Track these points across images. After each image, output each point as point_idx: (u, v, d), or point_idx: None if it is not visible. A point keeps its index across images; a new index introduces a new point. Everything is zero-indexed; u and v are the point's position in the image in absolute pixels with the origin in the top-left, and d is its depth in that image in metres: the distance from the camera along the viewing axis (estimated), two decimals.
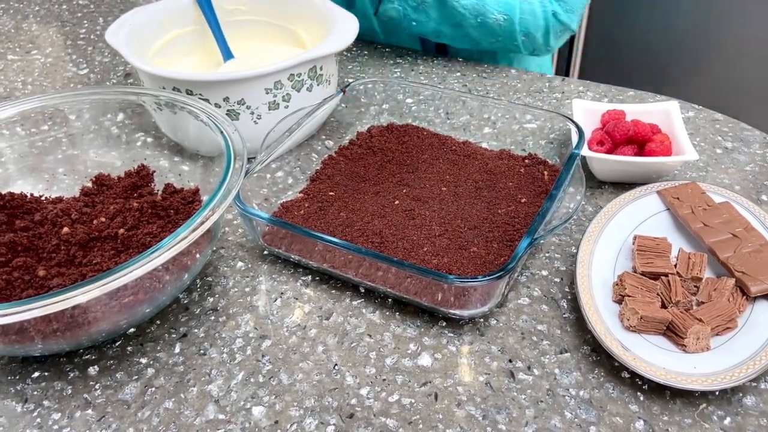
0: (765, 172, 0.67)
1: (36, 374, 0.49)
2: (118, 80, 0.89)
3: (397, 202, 0.62)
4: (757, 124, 0.77)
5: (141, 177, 0.61)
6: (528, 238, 0.50)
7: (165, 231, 0.54)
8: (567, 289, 0.55)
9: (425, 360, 0.50)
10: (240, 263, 0.59)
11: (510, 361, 0.49)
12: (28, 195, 0.59)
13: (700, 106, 0.79)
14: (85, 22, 1.06)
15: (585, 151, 0.63)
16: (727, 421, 0.45)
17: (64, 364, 0.50)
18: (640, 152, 0.65)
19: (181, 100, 0.61)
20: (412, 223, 0.59)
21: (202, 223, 0.46)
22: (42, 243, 0.53)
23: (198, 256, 0.52)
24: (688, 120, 0.76)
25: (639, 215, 0.59)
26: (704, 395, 0.46)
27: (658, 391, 0.47)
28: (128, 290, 0.47)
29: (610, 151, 0.65)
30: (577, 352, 0.50)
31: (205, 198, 0.60)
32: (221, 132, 0.56)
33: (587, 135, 0.68)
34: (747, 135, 0.73)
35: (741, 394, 0.46)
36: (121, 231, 0.53)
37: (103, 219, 0.55)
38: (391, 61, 0.91)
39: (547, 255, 0.59)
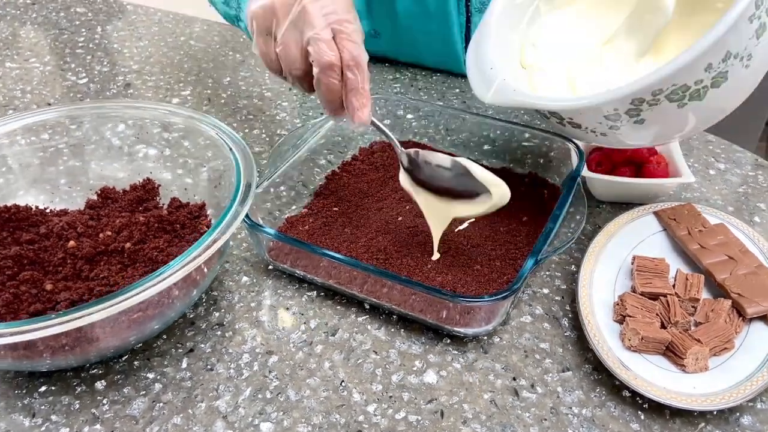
0: (756, 193, 0.69)
1: (43, 388, 0.50)
2: (117, 90, 0.89)
3: (400, 218, 0.63)
4: (746, 146, 0.79)
5: (147, 191, 0.61)
6: (532, 258, 0.51)
7: (172, 245, 0.55)
8: (567, 308, 0.56)
9: (431, 377, 0.50)
10: (245, 278, 0.59)
11: (514, 378, 0.50)
12: (33, 207, 0.59)
13: None
14: (83, 30, 1.06)
15: (585, 172, 0.64)
16: None
17: (71, 378, 0.50)
18: (638, 173, 0.66)
19: None
20: (415, 240, 0.60)
21: (215, 241, 0.47)
22: (48, 256, 0.54)
23: (206, 271, 0.52)
24: (682, 141, 0.78)
25: (637, 235, 0.60)
26: (703, 414, 0.48)
27: (658, 410, 0.48)
28: (138, 306, 0.47)
29: (608, 171, 0.67)
30: (579, 371, 0.51)
31: (210, 212, 0.60)
32: (230, 150, 0.57)
33: (585, 155, 0.69)
34: (738, 156, 0.75)
35: (738, 414, 0.48)
36: (128, 245, 0.54)
37: (109, 233, 0.55)
38: (390, 77, 0.92)
39: (547, 273, 0.60)
